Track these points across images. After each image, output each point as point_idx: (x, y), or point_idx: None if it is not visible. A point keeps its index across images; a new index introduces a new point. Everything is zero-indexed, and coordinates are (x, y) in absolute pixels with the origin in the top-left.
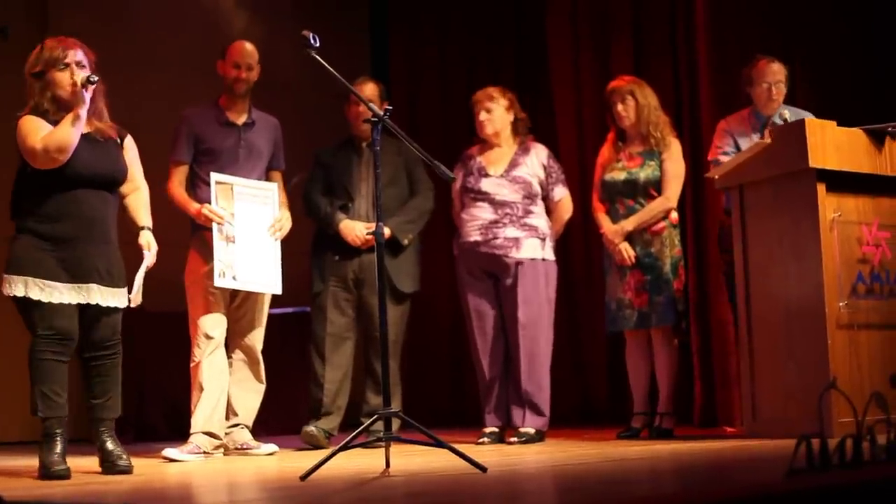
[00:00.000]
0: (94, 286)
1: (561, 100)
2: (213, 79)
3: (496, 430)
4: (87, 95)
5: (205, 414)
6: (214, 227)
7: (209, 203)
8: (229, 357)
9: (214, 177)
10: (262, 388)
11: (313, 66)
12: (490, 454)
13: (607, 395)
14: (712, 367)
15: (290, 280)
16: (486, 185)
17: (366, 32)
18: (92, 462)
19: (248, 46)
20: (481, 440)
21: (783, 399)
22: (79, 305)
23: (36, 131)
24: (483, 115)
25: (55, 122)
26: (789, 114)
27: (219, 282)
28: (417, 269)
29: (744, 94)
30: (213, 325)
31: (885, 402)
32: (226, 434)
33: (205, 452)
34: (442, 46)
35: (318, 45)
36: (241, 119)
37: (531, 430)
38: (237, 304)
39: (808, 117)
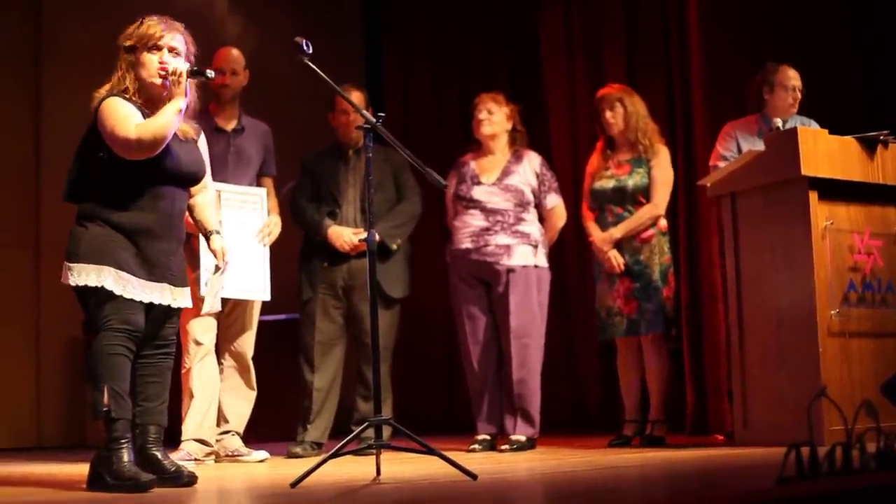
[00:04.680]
0: (166, 286)
1: (554, 107)
2: (207, 85)
3: (488, 437)
4: (189, 89)
5: (195, 421)
6: (201, 235)
7: None
8: (220, 363)
9: None
10: (252, 394)
11: (307, 73)
12: (481, 462)
13: (599, 402)
14: (704, 375)
15: (282, 287)
16: (477, 192)
17: (359, 40)
18: (72, 470)
19: (234, 52)
20: (472, 447)
21: (774, 407)
22: (146, 304)
23: (127, 118)
24: (483, 115)
25: (137, 106)
26: (781, 122)
27: (206, 290)
28: (407, 273)
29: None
30: (202, 331)
31: (876, 410)
32: (217, 441)
33: (196, 459)
34: (435, 54)
35: (311, 51)
36: (231, 125)
37: (522, 438)
38: (227, 311)
39: (814, 127)
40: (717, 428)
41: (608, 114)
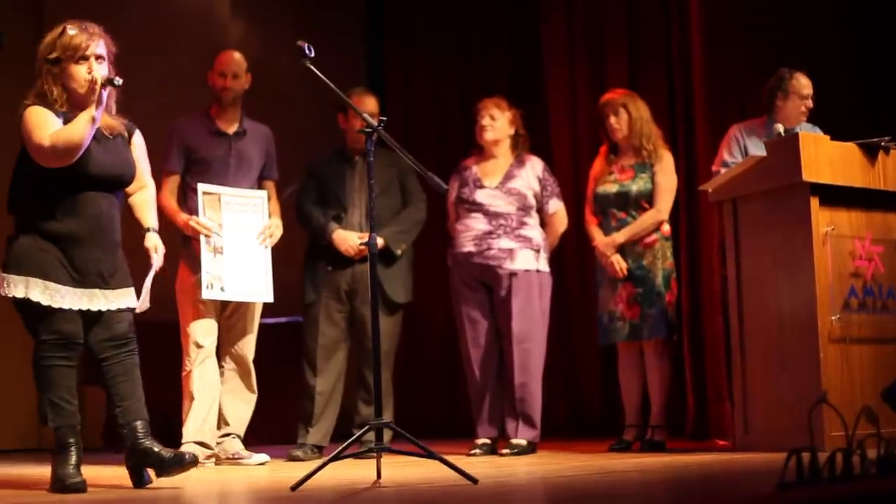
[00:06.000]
0: (97, 291)
1: (556, 110)
2: (209, 89)
3: (488, 441)
4: (105, 96)
5: (196, 423)
6: (202, 238)
7: (197, 214)
8: (221, 366)
9: (202, 187)
10: (253, 397)
11: (310, 76)
12: (482, 466)
13: (600, 407)
14: (705, 380)
15: (284, 290)
16: (480, 196)
17: (361, 43)
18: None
19: (235, 55)
20: (473, 451)
21: (775, 412)
22: (81, 310)
23: (43, 126)
24: (486, 121)
25: (63, 116)
26: (783, 129)
27: (206, 293)
28: (410, 279)
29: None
30: (203, 333)
31: (876, 416)
32: (217, 444)
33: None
34: (436, 57)
35: (313, 54)
36: (232, 128)
37: (523, 442)
38: (228, 314)
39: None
40: (718, 433)
41: (612, 119)
